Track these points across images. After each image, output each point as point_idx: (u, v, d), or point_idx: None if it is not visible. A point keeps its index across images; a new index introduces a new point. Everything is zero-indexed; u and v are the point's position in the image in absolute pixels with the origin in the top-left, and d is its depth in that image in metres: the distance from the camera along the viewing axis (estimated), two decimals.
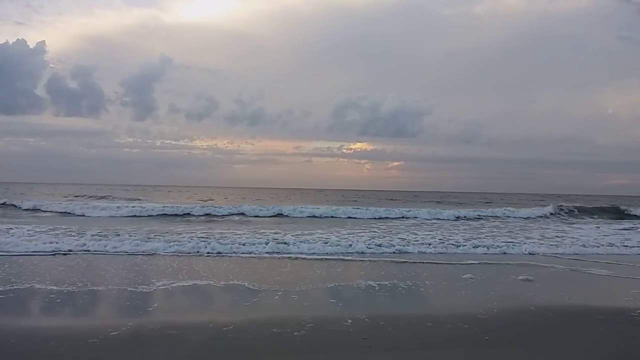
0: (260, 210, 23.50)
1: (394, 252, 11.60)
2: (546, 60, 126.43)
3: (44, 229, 13.39)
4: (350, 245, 11.92)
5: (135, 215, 20.97)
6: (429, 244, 12.76)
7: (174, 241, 11.63)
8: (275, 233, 14.17)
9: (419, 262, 10.20)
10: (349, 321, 5.48)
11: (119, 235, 12.56)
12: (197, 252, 10.75)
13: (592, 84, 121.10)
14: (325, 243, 12.16)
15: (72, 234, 12.70)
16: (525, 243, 13.50)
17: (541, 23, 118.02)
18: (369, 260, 10.33)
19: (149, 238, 12.12)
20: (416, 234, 15.38)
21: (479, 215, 24.69)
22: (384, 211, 24.18)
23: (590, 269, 9.85)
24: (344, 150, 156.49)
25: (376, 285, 7.72)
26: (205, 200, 35.56)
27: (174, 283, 7.45)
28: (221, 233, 13.97)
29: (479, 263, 10.24)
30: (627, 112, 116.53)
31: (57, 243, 10.87)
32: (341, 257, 10.74)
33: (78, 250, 10.47)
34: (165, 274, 8.19)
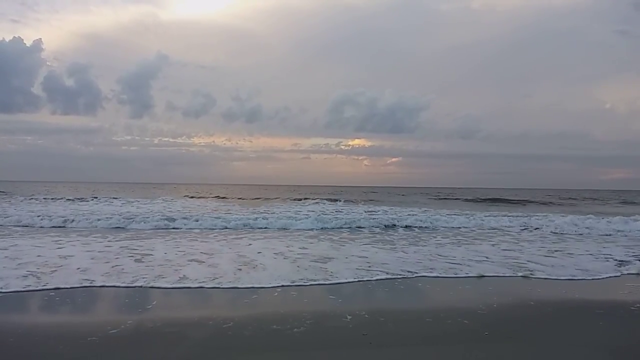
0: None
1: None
2: (544, 55, 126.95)
3: None
4: None
5: None
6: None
7: None
8: None
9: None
10: (349, 317, 5.49)
11: None
12: None
13: (589, 79, 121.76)
14: None
15: None
16: None
17: (539, 18, 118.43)
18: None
19: None
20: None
21: None
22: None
23: None
24: (342, 147, 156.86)
25: (374, 281, 7.73)
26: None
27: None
28: None
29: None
30: (625, 107, 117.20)
31: None
32: None
33: None
34: None
